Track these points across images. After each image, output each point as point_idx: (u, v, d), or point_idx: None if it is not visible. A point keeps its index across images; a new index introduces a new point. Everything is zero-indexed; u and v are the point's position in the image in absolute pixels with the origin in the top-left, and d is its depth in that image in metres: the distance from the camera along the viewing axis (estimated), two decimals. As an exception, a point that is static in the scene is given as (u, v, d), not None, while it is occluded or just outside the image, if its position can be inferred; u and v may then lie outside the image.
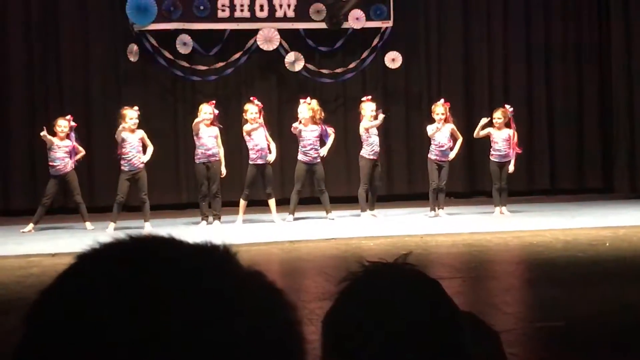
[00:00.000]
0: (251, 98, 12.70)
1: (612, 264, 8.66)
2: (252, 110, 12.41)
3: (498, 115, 13.11)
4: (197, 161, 12.42)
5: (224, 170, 12.37)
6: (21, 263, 9.53)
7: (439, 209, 12.88)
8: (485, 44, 15.34)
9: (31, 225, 12.07)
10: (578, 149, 15.56)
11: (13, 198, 13.94)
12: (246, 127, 12.36)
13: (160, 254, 0.72)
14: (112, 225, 11.92)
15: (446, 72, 15.24)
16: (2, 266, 9.39)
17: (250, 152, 12.43)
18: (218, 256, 0.74)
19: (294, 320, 0.75)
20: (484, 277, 8.49)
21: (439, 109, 12.94)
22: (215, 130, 12.37)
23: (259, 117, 12.42)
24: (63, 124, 12.13)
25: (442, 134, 12.91)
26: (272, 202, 12.47)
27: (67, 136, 12.16)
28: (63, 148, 12.10)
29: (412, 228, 11.54)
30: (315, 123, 12.60)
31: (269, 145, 12.49)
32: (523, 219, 12.27)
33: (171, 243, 0.74)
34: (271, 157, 12.50)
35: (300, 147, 12.62)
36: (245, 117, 12.43)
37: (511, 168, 13.03)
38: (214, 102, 12.58)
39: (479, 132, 13.11)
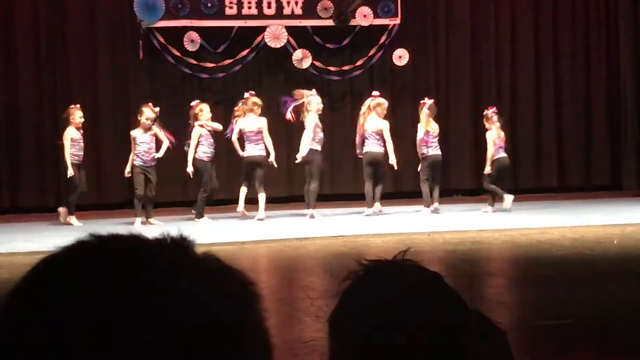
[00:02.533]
0: (249, 93, 12.69)
1: (620, 262, 8.64)
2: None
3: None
4: (202, 158, 12.46)
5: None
6: (30, 260, 9.46)
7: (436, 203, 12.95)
8: (493, 41, 15.31)
9: (65, 210, 12.16)
10: (586, 147, 15.52)
11: (22, 195, 13.97)
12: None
13: (120, 251, 0.75)
14: (138, 220, 11.99)
15: (454, 70, 15.22)
16: (11, 262, 9.41)
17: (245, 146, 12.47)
18: (172, 246, 0.76)
19: (250, 298, 0.77)
20: (491, 274, 8.48)
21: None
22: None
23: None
24: (80, 115, 12.20)
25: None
26: (261, 198, 12.44)
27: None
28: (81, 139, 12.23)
29: (419, 225, 11.53)
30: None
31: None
32: (531, 216, 12.24)
33: (131, 239, 0.77)
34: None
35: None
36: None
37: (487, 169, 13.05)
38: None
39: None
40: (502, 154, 12.96)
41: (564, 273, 8.18)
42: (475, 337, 1.27)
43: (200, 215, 12.31)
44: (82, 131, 12.24)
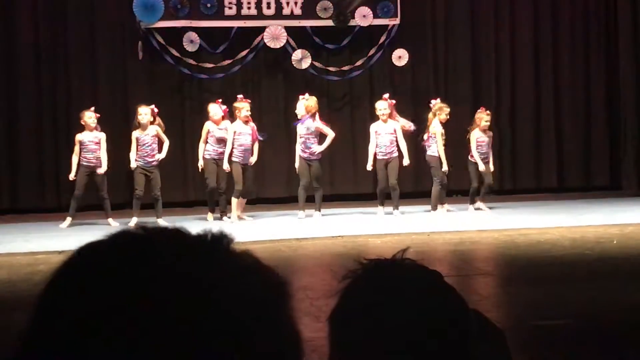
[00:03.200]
0: (240, 96, 12.70)
1: (619, 262, 8.65)
2: (247, 107, 12.49)
3: (486, 119, 13.23)
4: (207, 156, 12.48)
5: (226, 166, 12.42)
6: (29, 260, 9.55)
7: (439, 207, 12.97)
8: (492, 40, 15.31)
9: (69, 220, 12.14)
10: (586, 147, 15.52)
11: (21, 196, 13.97)
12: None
13: (164, 241, 0.78)
14: (134, 219, 12.02)
15: (453, 70, 15.22)
16: (10, 263, 9.42)
17: (234, 150, 12.43)
18: (218, 244, 0.79)
19: (283, 296, 0.80)
20: (491, 275, 8.48)
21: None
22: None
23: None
24: (92, 116, 12.22)
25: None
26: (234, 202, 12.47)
27: (95, 128, 12.26)
28: (94, 140, 12.22)
29: (419, 225, 11.54)
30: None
31: (253, 146, 12.52)
32: (530, 216, 12.24)
33: (174, 232, 0.79)
34: (253, 159, 12.53)
35: (299, 143, 12.68)
36: (238, 115, 12.45)
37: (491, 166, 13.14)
38: (219, 100, 12.65)
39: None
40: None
41: (563, 273, 8.18)
42: (474, 336, 1.27)
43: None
44: (98, 133, 12.25)
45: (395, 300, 1.23)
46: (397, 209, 12.75)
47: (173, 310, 0.72)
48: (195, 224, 11.92)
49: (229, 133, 12.37)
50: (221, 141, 12.40)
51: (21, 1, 14.01)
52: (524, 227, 11.16)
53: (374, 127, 12.86)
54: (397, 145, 12.76)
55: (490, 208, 13.09)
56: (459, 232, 10.95)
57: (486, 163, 13.19)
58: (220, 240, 0.80)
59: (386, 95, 13.03)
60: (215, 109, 12.49)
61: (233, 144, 12.37)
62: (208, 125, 12.46)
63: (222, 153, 12.39)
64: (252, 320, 0.74)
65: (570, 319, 6.23)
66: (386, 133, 12.76)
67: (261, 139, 12.65)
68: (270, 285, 0.79)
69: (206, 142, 12.48)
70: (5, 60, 13.93)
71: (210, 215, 12.52)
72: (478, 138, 13.17)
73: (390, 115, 12.83)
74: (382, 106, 12.82)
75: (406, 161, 12.77)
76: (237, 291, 0.75)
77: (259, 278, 0.78)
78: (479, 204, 13.11)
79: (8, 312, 7.00)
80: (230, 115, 12.52)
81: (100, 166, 12.24)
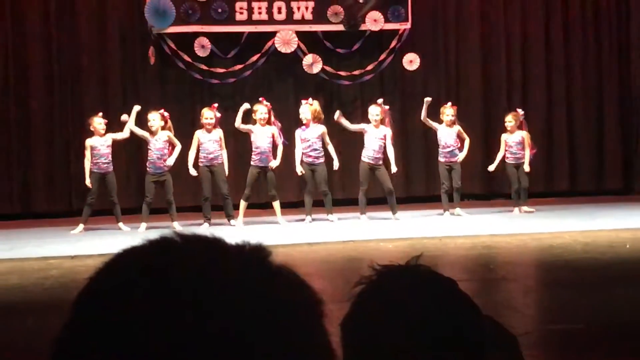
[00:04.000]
0: (260, 99, 12.77)
1: (632, 266, 8.61)
2: (261, 110, 12.49)
3: (509, 119, 13.36)
4: (200, 164, 12.51)
5: (226, 170, 12.43)
6: (41, 265, 9.57)
7: (454, 208, 12.97)
8: (503, 45, 15.29)
9: (81, 226, 12.17)
10: (598, 151, 15.48)
11: (33, 201, 14.02)
12: (242, 126, 12.51)
13: (203, 251, 0.77)
14: (143, 225, 12.09)
15: (464, 74, 15.20)
16: (22, 268, 9.44)
17: (252, 154, 12.50)
18: (255, 255, 0.79)
19: (319, 315, 0.79)
20: (503, 279, 8.46)
21: (449, 110, 13.07)
22: (217, 134, 12.49)
23: (270, 118, 12.53)
24: (101, 121, 12.28)
25: (447, 135, 13.02)
26: (276, 205, 12.55)
27: (105, 133, 12.33)
28: (105, 144, 12.26)
29: (430, 230, 11.52)
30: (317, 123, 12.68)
31: (273, 149, 12.52)
32: (542, 220, 12.21)
33: (213, 242, 0.79)
34: (273, 163, 12.53)
35: (302, 148, 12.70)
36: (254, 117, 12.53)
37: (526, 167, 13.12)
38: (216, 105, 12.70)
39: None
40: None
41: (575, 277, 8.15)
42: (488, 343, 1.27)
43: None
44: (107, 138, 12.30)
45: (409, 308, 1.23)
46: (395, 213, 12.73)
47: (208, 322, 0.71)
48: (203, 229, 11.94)
49: (253, 136, 12.42)
50: (212, 147, 12.41)
51: (32, 5, 14.06)
52: (536, 232, 11.13)
53: (365, 127, 12.86)
54: (385, 152, 12.76)
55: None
56: (471, 236, 10.93)
57: (519, 165, 13.16)
58: (259, 253, 0.79)
59: (380, 101, 13.04)
60: (209, 114, 12.52)
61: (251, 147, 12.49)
62: (198, 134, 12.47)
63: (214, 159, 12.41)
64: (286, 336, 0.74)
65: (582, 324, 6.21)
66: (376, 138, 12.75)
67: (286, 142, 12.67)
68: (306, 302, 0.78)
69: (198, 150, 12.48)
70: (16, 64, 14.00)
71: (205, 225, 12.39)
72: (506, 140, 13.21)
73: (382, 121, 12.84)
74: (375, 111, 12.81)
75: (394, 168, 12.76)
76: (273, 306, 0.74)
77: (296, 294, 0.78)
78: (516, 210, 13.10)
79: (21, 317, 7.03)
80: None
81: (112, 169, 12.29)
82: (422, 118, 13.11)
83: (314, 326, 0.77)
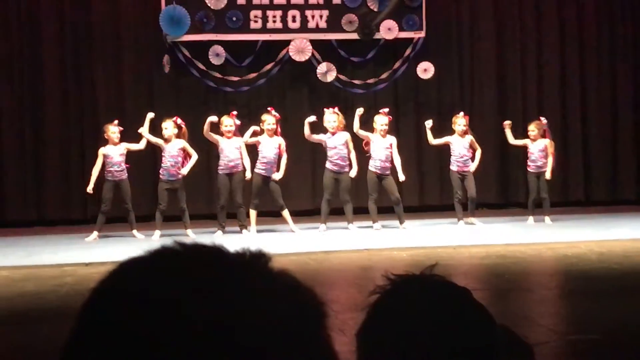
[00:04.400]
0: (268, 108, 12.79)
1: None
2: (269, 120, 12.52)
3: (532, 128, 13.32)
4: (219, 172, 12.52)
5: (249, 175, 12.44)
6: (56, 272, 9.60)
7: (470, 217, 12.95)
8: (519, 53, 15.26)
9: (95, 234, 12.22)
10: (612, 161, 15.43)
11: (48, 208, 14.08)
12: (249, 139, 12.55)
13: (204, 260, 0.78)
14: (157, 232, 12.14)
15: (479, 83, 15.19)
16: (37, 275, 9.48)
17: (257, 161, 12.52)
18: (256, 262, 0.80)
19: (321, 318, 0.80)
20: (518, 289, 8.43)
21: (461, 120, 13.06)
22: (238, 142, 12.50)
23: (277, 128, 12.56)
24: (116, 130, 12.33)
25: (461, 145, 13.02)
26: (285, 214, 12.57)
27: (119, 142, 12.37)
28: (119, 152, 12.32)
29: (444, 239, 11.49)
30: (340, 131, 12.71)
31: (278, 160, 12.56)
32: (557, 230, 12.17)
33: (214, 250, 0.80)
34: (276, 176, 12.53)
35: (328, 156, 12.68)
36: (262, 127, 12.55)
37: (548, 175, 13.08)
38: (235, 113, 12.70)
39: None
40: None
41: (591, 288, 8.11)
42: (503, 352, 1.27)
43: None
44: (121, 147, 12.36)
45: (424, 317, 1.23)
46: (402, 223, 12.72)
47: (208, 330, 0.72)
48: (218, 238, 11.96)
49: (261, 146, 12.45)
50: (234, 155, 12.43)
51: (46, 13, 14.14)
52: (551, 241, 11.09)
53: (371, 137, 12.87)
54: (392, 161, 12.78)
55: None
56: (486, 245, 10.89)
57: (540, 174, 13.14)
58: (259, 259, 0.80)
59: (385, 110, 13.04)
60: (229, 122, 12.55)
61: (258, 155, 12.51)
62: (219, 139, 12.49)
63: (235, 167, 12.43)
64: (288, 340, 0.75)
65: (598, 334, 6.17)
66: (383, 147, 12.74)
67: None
68: (307, 305, 0.79)
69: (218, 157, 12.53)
70: (31, 72, 14.08)
71: (219, 232, 12.41)
72: (529, 148, 13.22)
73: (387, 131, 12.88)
74: (383, 121, 12.79)
75: (401, 177, 12.74)
76: (274, 311, 0.75)
77: (297, 298, 0.78)
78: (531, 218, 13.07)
79: (36, 324, 7.05)
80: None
81: (126, 176, 12.34)
82: (430, 143, 13.14)
83: (316, 330, 0.78)
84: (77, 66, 14.22)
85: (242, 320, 0.73)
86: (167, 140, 12.37)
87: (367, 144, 12.81)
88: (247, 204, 12.54)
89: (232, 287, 0.75)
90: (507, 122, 13.41)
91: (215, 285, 0.75)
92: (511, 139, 13.36)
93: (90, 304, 0.77)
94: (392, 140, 12.84)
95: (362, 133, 12.83)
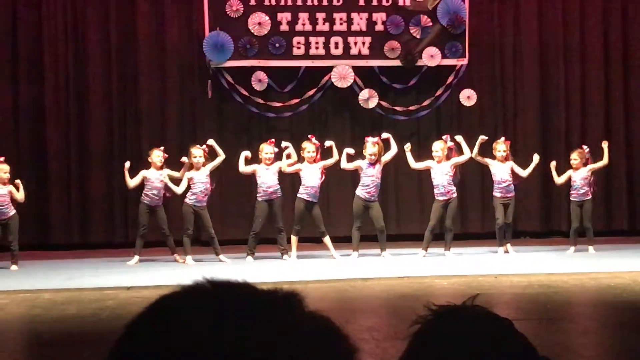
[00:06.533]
0: (309, 136, 12.84)
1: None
2: (309, 148, 12.61)
3: (574, 157, 13.22)
4: (259, 199, 12.59)
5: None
6: (97, 295, 9.68)
7: (504, 245, 12.87)
8: (563, 81, 15.16)
9: (136, 258, 12.34)
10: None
11: (91, 232, 14.24)
12: (289, 167, 12.63)
13: (236, 301, 0.77)
14: (189, 257, 12.23)
15: (522, 111, 15.09)
16: (79, 298, 9.55)
17: (301, 186, 12.62)
18: (287, 302, 0.79)
19: None
20: (561, 319, 8.32)
21: (501, 146, 12.98)
22: (275, 167, 12.59)
23: (317, 156, 12.61)
24: (160, 154, 12.49)
25: (503, 171, 12.93)
26: (327, 240, 12.59)
27: (162, 167, 12.51)
28: (159, 178, 12.46)
29: (486, 267, 11.40)
30: (376, 163, 12.67)
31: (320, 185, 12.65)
32: (600, 260, 12.01)
33: (244, 289, 0.79)
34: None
35: (360, 183, 12.71)
36: (302, 155, 12.60)
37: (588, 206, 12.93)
38: (273, 140, 12.78)
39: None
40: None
41: (635, 319, 7.98)
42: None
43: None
44: (163, 173, 12.48)
45: (466, 349, 1.22)
46: (449, 250, 12.65)
47: None
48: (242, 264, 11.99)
49: (302, 173, 12.56)
50: (272, 181, 12.50)
51: (93, 36, 14.35)
52: (594, 271, 10.94)
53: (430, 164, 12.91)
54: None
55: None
56: (527, 274, 10.78)
57: (583, 202, 13.03)
58: (291, 300, 0.79)
59: (445, 137, 13.02)
60: (268, 149, 12.62)
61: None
62: (257, 167, 12.57)
63: (274, 193, 12.50)
64: None
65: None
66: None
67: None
68: (342, 352, 0.77)
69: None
70: (76, 95, 14.29)
71: (249, 258, 12.45)
72: (571, 176, 13.15)
73: (447, 157, 12.82)
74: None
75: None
76: (306, 354, 0.74)
77: (333, 344, 0.77)
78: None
79: (77, 348, 7.10)
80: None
81: (161, 203, 12.44)
82: (473, 155, 13.06)
83: None
84: (122, 92, 14.41)
85: (266, 356, 0.72)
86: (197, 168, 12.46)
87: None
88: (288, 230, 12.58)
89: (258, 325, 0.74)
90: (553, 164, 13.31)
91: (241, 323, 0.74)
92: (557, 179, 13.26)
93: (124, 343, 0.77)
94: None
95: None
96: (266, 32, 14.39)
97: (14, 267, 11.95)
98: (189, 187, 12.44)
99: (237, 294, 0.78)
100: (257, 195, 12.64)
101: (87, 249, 13.80)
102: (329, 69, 14.52)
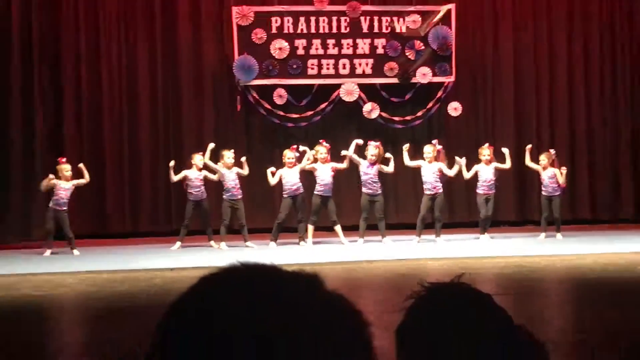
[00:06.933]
0: (320, 141, 12.88)
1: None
2: (322, 151, 12.61)
3: (542, 157, 13.26)
4: (285, 196, 12.61)
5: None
6: (146, 276, 9.71)
7: (485, 234, 12.84)
8: (534, 94, 15.15)
9: (178, 244, 12.39)
10: (614, 183, 15.19)
11: (141, 222, 14.29)
12: (307, 166, 12.67)
13: (267, 282, 0.76)
14: (223, 243, 12.24)
15: (499, 120, 15.08)
16: (130, 278, 9.60)
17: (316, 184, 12.60)
18: (310, 282, 0.77)
19: (368, 338, 0.77)
20: (533, 294, 8.30)
21: (485, 151, 12.98)
22: (297, 169, 12.66)
23: (328, 157, 12.66)
24: (200, 158, 12.56)
25: (488, 171, 12.94)
26: (337, 228, 12.58)
27: (201, 169, 12.60)
28: (199, 178, 12.54)
29: (471, 251, 11.40)
30: (375, 163, 12.67)
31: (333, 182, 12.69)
32: (567, 244, 12.00)
33: (272, 270, 0.78)
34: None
35: (362, 182, 12.74)
36: (316, 156, 12.64)
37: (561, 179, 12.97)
38: (295, 146, 12.82)
39: (530, 160, 13.22)
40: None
41: (594, 294, 7.96)
42: (519, 349, 1.25)
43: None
44: (202, 173, 12.56)
45: (452, 319, 1.23)
46: (439, 236, 12.63)
47: (267, 346, 0.70)
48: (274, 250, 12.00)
49: (317, 172, 12.60)
50: (295, 180, 12.53)
51: (142, 57, 14.35)
52: (562, 254, 10.92)
53: (421, 163, 12.91)
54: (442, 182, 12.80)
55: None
56: (506, 257, 10.77)
57: (551, 197, 12.96)
58: (313, 280, 0.77)
59: (434, 142, 13.02)
60: (290, 155, 12.65)
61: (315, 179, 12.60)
62: (281, 172, 12.63)
63: (297, 189, 12.50)
64: (339, 357, 0.72)
65: (586, 334, 6.03)
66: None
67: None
68: (357, 326, 0.76)
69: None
70: (129, 106, 14.28)
71: (273, 244, 12.43)
72: (540, 175, 13.15)
73: (436, 158, 12.80)
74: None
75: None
76: (326, 329, 0.73)
77: (351, 320, 0.76)
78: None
79: (129, 320, 7.13)
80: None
81: (205, 197, 12.48)
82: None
83: (364, 348, 0.75)
84: (166, 103, 14.43)
85: (295, 337, 0.71)
86: (229, 167, 12.52)
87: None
88: (306, 220, 12.60)
89: (286, 306, 0.73)
90: (528, 146, 13.32)
91: (272, 304, 0.73)
92: (527, 161, 13.27)
93: (170, 318, 0.76)
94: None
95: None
96: (285, 56, 14.42)
97: (76, 252, 12.01)
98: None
99: (268, 276, 0.77)
100: (283, 192, 12.67)
101: (137, 237, 13.84)
102: (338, 86, 14.54)
